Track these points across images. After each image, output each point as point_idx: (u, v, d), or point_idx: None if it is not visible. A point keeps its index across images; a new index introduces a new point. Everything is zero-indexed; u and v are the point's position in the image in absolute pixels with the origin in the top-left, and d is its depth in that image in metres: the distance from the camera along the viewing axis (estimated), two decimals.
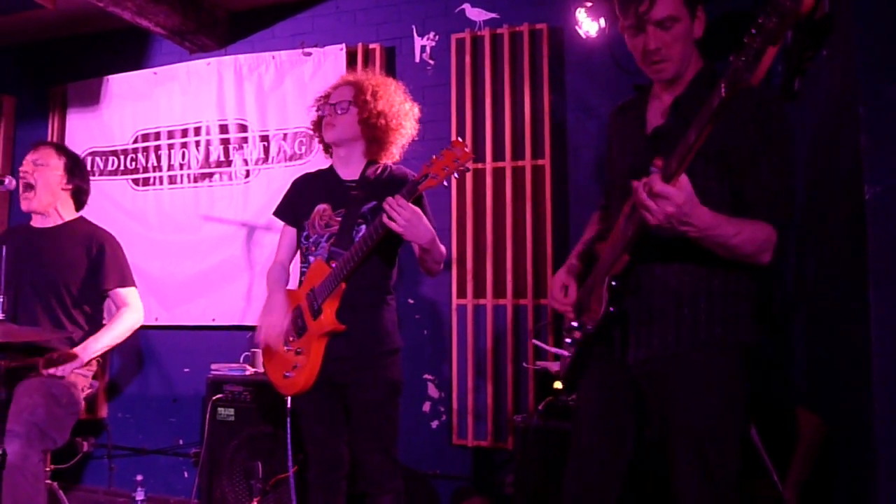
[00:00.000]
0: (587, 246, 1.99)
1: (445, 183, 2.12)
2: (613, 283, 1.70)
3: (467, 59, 3.56)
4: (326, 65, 3.80)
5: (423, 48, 3.74)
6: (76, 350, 2.74)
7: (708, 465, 1.64)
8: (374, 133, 2.38)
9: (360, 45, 3.77)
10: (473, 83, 3.55)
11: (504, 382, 3.37)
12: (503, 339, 3.38)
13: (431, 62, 3.72)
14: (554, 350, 2.05)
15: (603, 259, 1.82)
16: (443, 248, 2.35)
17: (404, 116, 2.44)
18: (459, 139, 2.10)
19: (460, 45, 3.59)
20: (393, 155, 2.48)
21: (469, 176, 3.49)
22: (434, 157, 2.09)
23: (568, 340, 1.92)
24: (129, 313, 2.95)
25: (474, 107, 3.54)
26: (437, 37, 3.72)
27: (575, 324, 1.88)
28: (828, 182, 2.15)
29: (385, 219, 2.12)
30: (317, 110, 2.52)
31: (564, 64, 3.48)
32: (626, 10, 1.71)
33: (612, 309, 1.70)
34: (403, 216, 2.10)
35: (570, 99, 3.47)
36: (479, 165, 3.50)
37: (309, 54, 3.85)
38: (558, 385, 2.57)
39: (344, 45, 3.78)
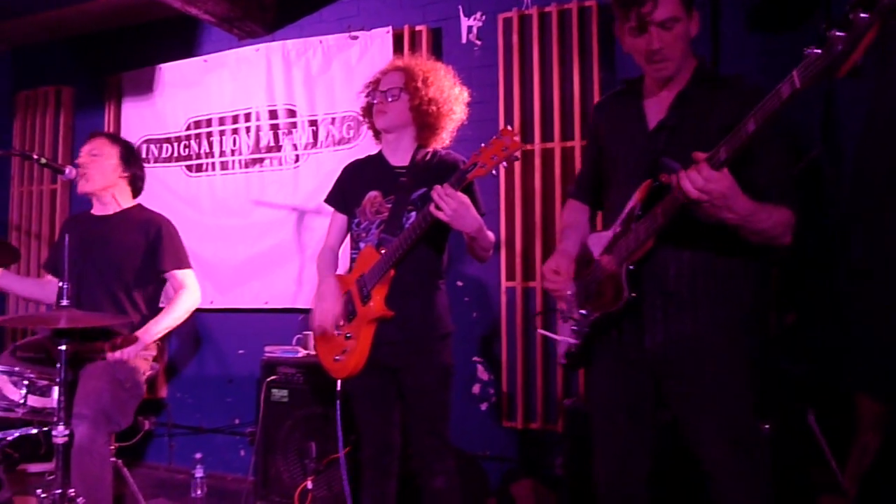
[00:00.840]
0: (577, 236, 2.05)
1: (494, 172, 2.10)
2: (631, 267, 1.76)
3: (515, 38, 3.51)
4: (373, 48, 3.80)
5: (469, 29, 3.71)
6: (138, 333, 2.82)
7: (739, 440, 1.72)
8: (426, 119, 2.38)
9: (406, 28, 3.75)
10: (521, 63, 3.51)
11: (554, 364, 3.36)
12: (553, 322, 3.36)
13: (478, 43, 3.69)
14: (560, 338, 2.03)
15: (600, 248, 1.86)
16: (491, 235, 2.34)
17: (454, 101, 2.43)
18: (509, 127, 2.07)
19: (507, 25, 3.55)
20: (443, 140, 2.48)
21: None
22: (483, 145, 2.08)
23: (574, 328, 1.96)
24: (187, 295, 3.01)
25: (522, 87, 3.50)
26: (483, 17, 3.68)
27: (583, 311, 1.91)
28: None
29: (432, 208, 2.12)
30: (366, 96, 2.52)
31: (615, 41, 3.40)
32: (627, 13, 1.76)
33: (633, 294, 1.75)
34: (450, 206, 2.09)
35: (621, 77, 3.38)
36: (528, 147, 3.47)
37: (356, 38, 3.85)
38: None
39: (390, 28, 3.77)
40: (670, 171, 1.64)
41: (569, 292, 1.93)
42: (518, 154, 2.10)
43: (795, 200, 1.69)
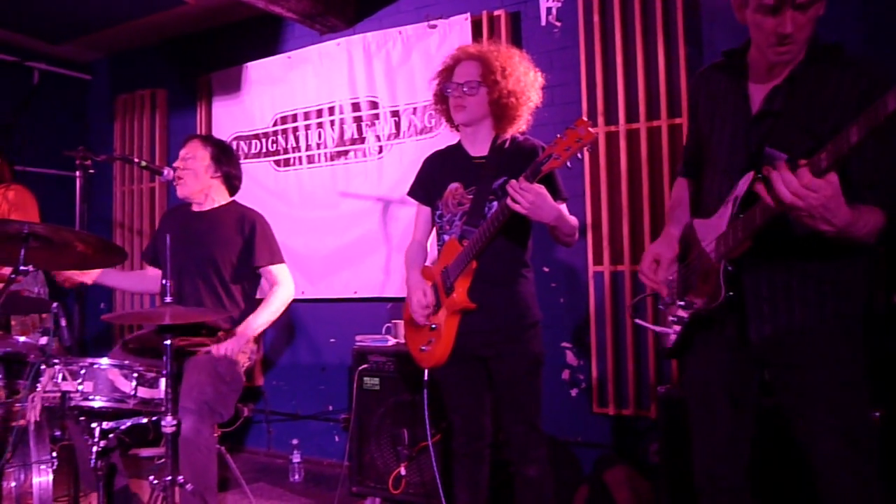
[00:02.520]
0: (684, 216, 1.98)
1: (569, 164, 2.05)
2: (730, 268, 1.69)
3: (595, 17, 3.43)
4: (452, 35, 3.79)
5: (548, 11, 3.64)
6: (238, 329, 2.92)
7: (852, 432, 1.64)
8: (505, 112, 2.35)
9: (484, 13, 3.72)
10: (603, 43, 3.42)
11: (645, 349, 3.29)
12: (646, 305, 3.28)
13: (558, 24, 3.62)
14: (658, 329, 1.98)
15: (709, 239, 1.77)
16: (573, 221, 2.31)
17: (532, 88, 2.39)
18: (584, 119, 2.02)
19: (588, 4, 3.46)
20: (521, 126, 2.45)
21: (602, 139, 3.39)
22: (558, 136, 2.03)
23: (672, 318, 1.91)
24: (282, 289, 3.09)
25: (605, 67, 3.42)
26: None
27: (682, 302, 1.86)
28: None
29: (509, 201, 2.10)
30: (438, 84, 2.49)
31: (700, 14, 3.28)
32: None
33: (731, 294, 1.69)
34: (527, 199, 2.07)
35: (708, 51, 3.26)
36: (613, 128, 3.39)
37: (434, 27, 3.85)
38: None
39: (468, 15, 3.75)
40: (775, 163, 1.55)
41: (665, 287, 1.89)
42: (591, 145, 2.05)
43: (891, 199, 1.56)
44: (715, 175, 1.83)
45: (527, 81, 2.37)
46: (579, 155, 2.03)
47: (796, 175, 1.40)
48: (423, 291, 2.40)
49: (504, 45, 2.48)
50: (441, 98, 2.50)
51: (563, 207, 2.31)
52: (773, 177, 1.43)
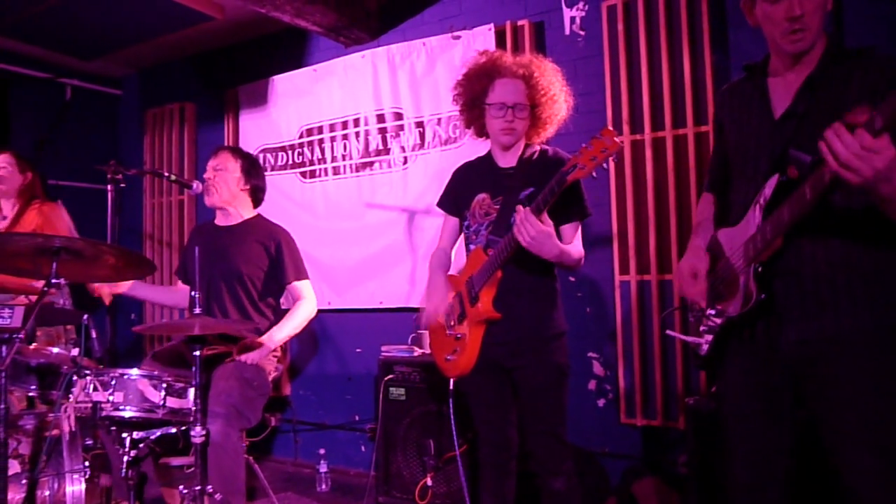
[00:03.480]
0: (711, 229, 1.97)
1: (594, 174, 2.04)
2: (759, 269, 1.68)
3: (620, 26, 3.42)
4: (476, 46, 3.78)
5: (572, 19, 3.64)
6: (262, 339, 2.97)
7: (882, 442, 1.60)
8: (542, 128, 2.39)
9: (508, 23, 3.73)
10: (627, 51, 3.41)
11: (673, 360, 3.26)
12: (670, 316, 3.26)
13: (582, 33, 3.62)
14: (688, 339, 1.96)
15: (737, 245, 1.75)
16: (575, 254, 2.29)
17: (565, 102, 2.41)
18: (609, 128, 2.01)
19: (612, 12, 3.46)
20: (548, 133, 2.45)
21: (627, 148, 3.37)
22: (583, 146, 2.02)
23: (704, 328, 1.89)
24: (305, 304, 3.15)
25: (629, 76, 3.40)
26: (586, 6, 3.60)
27: (712, 311, 1.85)
28: None
29: (514, 229, 2.11)
30: (469, 92, 2.44)
31: (727, 20, 3.25)
32: None
33: (763, 296, 1.67)
34: (529, 233, 2.08)
35: (734, 58, 3.23)
36: (638, 136, 3.37)
37: (458, 37, 3.87)
38: None
39: (492, 25, 3.76)
40: (800, 165, 1.54)
41: (704, 299, 1.87)
42: (616, 156, 2.04)
43: None
44: (745, 183, 1.81)
45: (561, 96, 2.39)
46: (604, 165, 2.01)
47: (855, 136, 1.36)
48: (443, 297, 2.43)
49: (537, 57, 2.44)
50: (473, 105, 2.45)
51: (578, 235, 2.34)
52: (830, 137, 1.40)
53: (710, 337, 1.88)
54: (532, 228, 2.07)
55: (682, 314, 3.11)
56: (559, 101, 2.38)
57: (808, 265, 1.67)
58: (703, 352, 1.91)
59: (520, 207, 2.12)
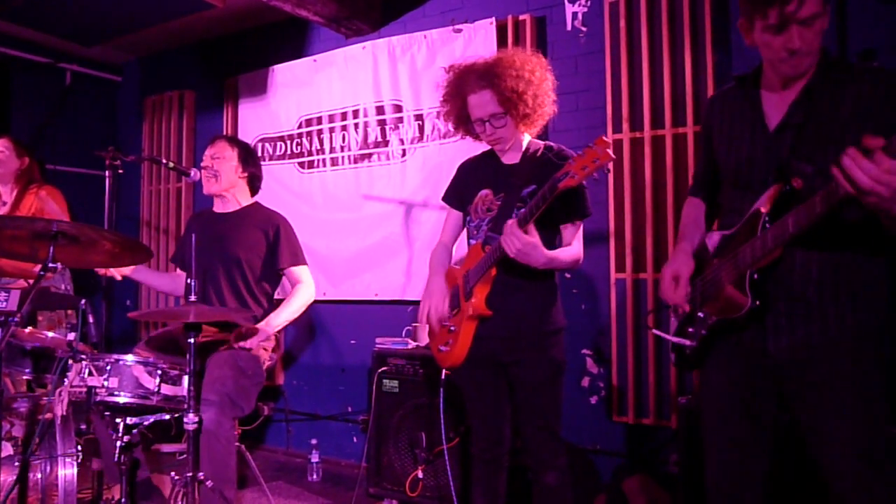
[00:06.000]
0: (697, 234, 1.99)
1: (585, 183, 2.04)
2: (755, 276, 1.69)
3: (622, 23, 3.42)
4: (477, 40, 3.80)
5: (574, 15, 3.64)
6: (259, 325, 2.97)
7: (871, 452, 1.63)
8: (532, 124, 2.37)
9: (509, 18, 3.72)
10: (629, 48, 3.41)
11: (666, 358, 3.26)
12: (665, 315, 3.26)
13: (584, 29, 3.61)
14: (675, 339, 1.98)
15: (730, 251, 1.77)
16: (568, 259, 2.29)
17: (542, 89, 2.34)
18: (604, 138, 1.98)
19: (614, 9, 3.46)
20: (542, 122, 2.41)
21: (626, 145, 3.38)
22: (577, 154, 2.00)
23: (690, 330, 1.91)
24: (303, 289, 3.14)
25: (630, 73, 3.40)
26: (588, 2, 3.59)
27: (700, 314, 1.86)
28: None
29: (501, 240, 2.13)
30: (453, 113, 2.46)
31: (730, 20, 3.25)
32: (767, 10, 1.62)
33: (757, 303, 1.69)
34: (514, 245, 2.09)
35: (736, 58, 3.23)
36: (637, 134, 3.37)
37: (459, 31, 3.87)
38: None
39: (494, 19, 3.75)
40: (804, 175, 1.54)
41: (687, 303, 1.88)
42: (609, 167, 2.03)
43: None
44: (739, 192, 1.82)
45: (539, 88, 2.33)
46: (596, 175, 1.99)
47: (873, 161, 1.36)
48: (441, 299, 2.43)
49: (503, 52, 2.40)
50: (460, 122, 2.47)
51: (578, 235, 2.34)
52: (848, 164, 1.38)
53: (694, 340, 1.90)
54: (518, 241, 2.09)
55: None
56: (533, 92, 2.30)
57: (800, 273, 1.69)
58: (687, 353, 1.93)
59: (509, 221, 2.14)
